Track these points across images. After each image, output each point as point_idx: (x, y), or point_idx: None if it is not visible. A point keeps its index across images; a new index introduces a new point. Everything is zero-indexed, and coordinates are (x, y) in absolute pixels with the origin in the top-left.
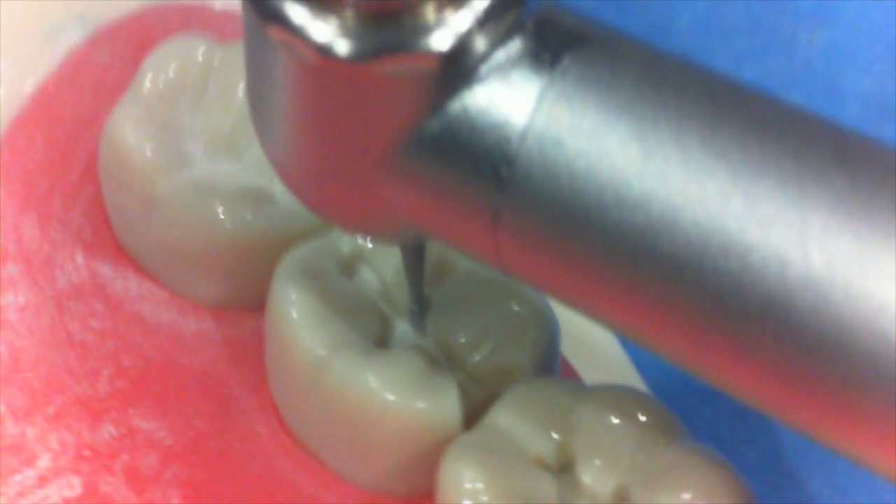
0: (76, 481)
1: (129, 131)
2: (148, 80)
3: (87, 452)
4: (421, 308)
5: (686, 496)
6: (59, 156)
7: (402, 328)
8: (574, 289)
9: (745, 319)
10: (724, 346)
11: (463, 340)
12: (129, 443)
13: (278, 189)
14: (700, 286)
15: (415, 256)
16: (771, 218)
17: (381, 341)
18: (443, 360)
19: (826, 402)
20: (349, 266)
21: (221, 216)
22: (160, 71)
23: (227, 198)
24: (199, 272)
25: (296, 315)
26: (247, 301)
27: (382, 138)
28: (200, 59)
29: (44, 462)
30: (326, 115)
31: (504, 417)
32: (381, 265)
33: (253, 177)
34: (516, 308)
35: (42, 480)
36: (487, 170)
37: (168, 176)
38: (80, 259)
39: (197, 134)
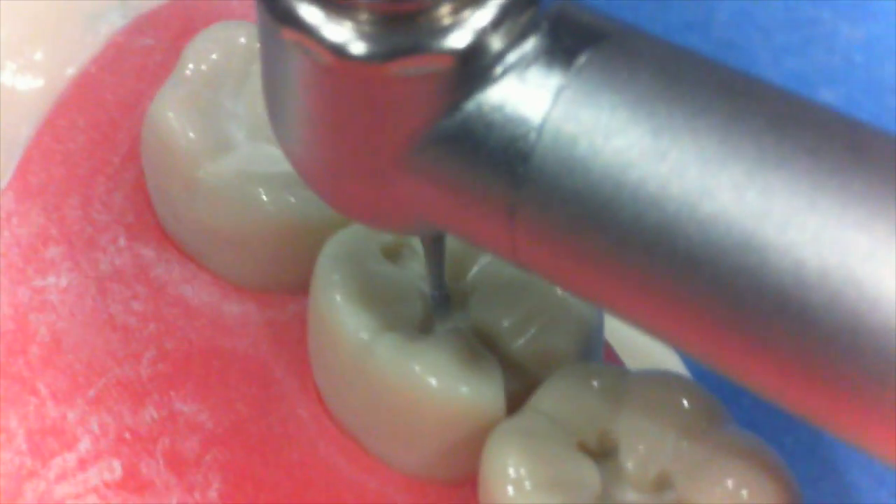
0: (116, 464)
1: (173, 115)
2: (191, 65)
3: (127, 435)
4: (442, 295)
5: (729, 482)
6: (102, 140)
7: (448, 313)
8: (589, 283)
9: (760, 315)
10: (739, 341)
11: (506, 325)
12: (170, 426)
13: None
14: (715, 282)
15: (435, 246)
16: (786, 215)
17: (424, 326)
18: (486, 346)
19: (839, 397)
20: (393, 251)
21: (264, 199)
22: (203, 56)
23: (271, 181)
24: (241, 255)
25: (339, 299)
26: (290, 284)
27: (398, 137)
28: (243, 43)
29: (84, 445)
30: (342, 116)
31: (547, 403)
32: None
33: None
34: (559, 293)
35: (82, 463)
36: (503, 167)
37: (211, 159)
38: (122, 242)
39: (240, 118)
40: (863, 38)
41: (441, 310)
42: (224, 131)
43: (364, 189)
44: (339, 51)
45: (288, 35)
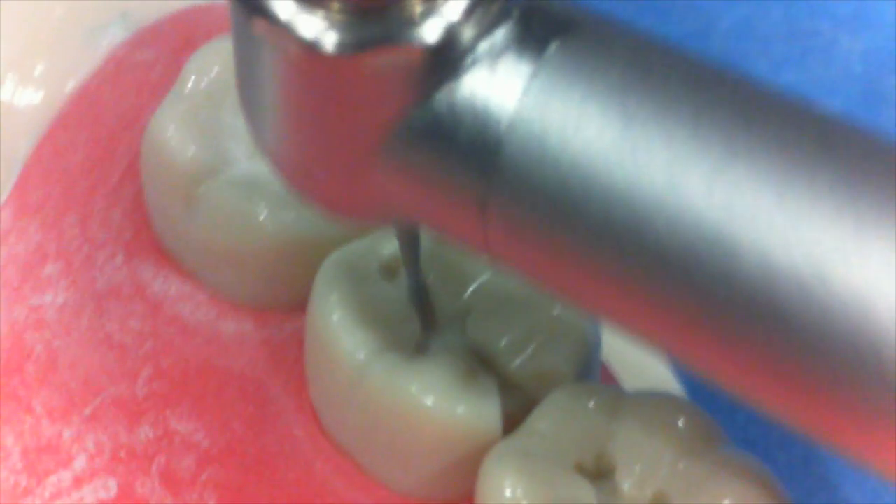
0: (112, 483)
1: (172, 131)
2: (191, 81)
3: (123, 454)
4: (419, 289)
5: (726, 503)
6: (101, 155)
7: (444, 333)
8: (561, 278)
9: (729, 310)
10: (710, 338)
11: (503, 345)
12: (165, 445)
13: None
14: (685, 277)
15: (410, 239)
16: (753, 210)
17: (422, 346)
18: (482, 365)
19: (808, 393)
20: (390, 270)
21: (263, 217)
22: (203, 72)
23: (269, 199)
24: (239, 273)
25: (337, 319)
26: (287, 303)
27: (370, 130)
28: None
29: (79, 463)
30: (313, 108)
31: (544, 423)
32: (422, 269)
33: None
34: (556, 313)
35: (77, 482)
36: (474, 159)
37: (210, 176)
38: (120, 259)
39: (240, 135)
40: (862, 49)
41: (418, 304)
42: (224, 148)
43: (337, 181)
44: (310, 43)
45: (259, 27)
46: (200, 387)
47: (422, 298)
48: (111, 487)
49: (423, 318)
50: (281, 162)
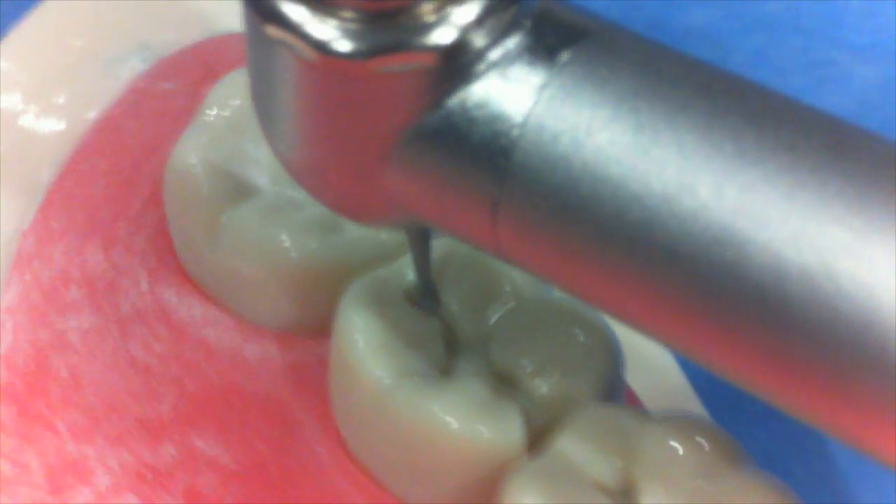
0: (134, 501)
1: (195, 160)
2: (213, 110)
3: (146, 473)
4: (427, 290)
5: None
6: (123, 183)
7: (468, 357)
8: (571, 277)
9: (740, 310)
10: (718, 335)
11: (527, 369)
12: (189, 464)
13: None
14: (695, 277)
15: (420, 241)
16: (765, 211)
17: (446, 370)
18: (507, 388)
19: (817, 390)
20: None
21: (287, 245)
22: (225, 101)
23: (293, 226)
24: (264, 299)
25: (362, 343)
26: (312, 327)
27: (382, 133)
28: None
29: (103, 481)
30: (326, 112)
31: (567, 444)
32: (447, 294)
33: (319, 206)
34: (581, 336)
35: (100, 499)
36: (486, 163)
37: (233, 205)
38: (144, 284)
39: (262, 164)
40: (879, 79)
41: (427, 302)
42: (246, 176)
43: (349, 184)
44: (323, 48)
45: (272, 32)
46: (224, 408)
47: (431, 299)
48: None
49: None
50: (293, 165)
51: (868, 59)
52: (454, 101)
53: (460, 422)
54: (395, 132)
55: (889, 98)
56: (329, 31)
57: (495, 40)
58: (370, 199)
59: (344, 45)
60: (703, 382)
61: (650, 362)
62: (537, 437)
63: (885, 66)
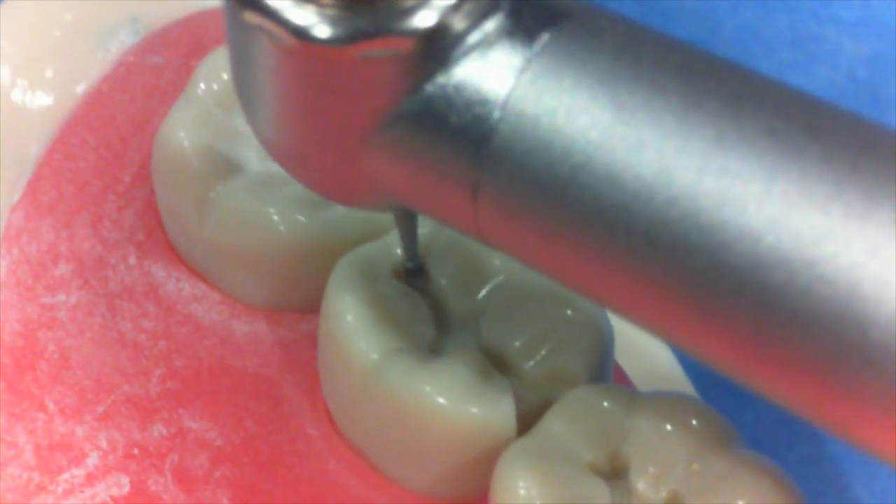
0: (124, 480)
1: (184, 135)
2: (202, 84)
3: (136, 451)
4: (416, 267)
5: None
6: (112, 158)
7: (458, 334)
8: (551, 261)
9: (719, 295)
10: (698, 321)
11: (517, 346)
12: (179, 442)
13: None
14: (675, 261)
15: (406, 221)
16: (744, 196)
17: (435, 347)
18: (497, 366)
19: (797, 375)
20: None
21: (276, 219)
22: (214, 75)
23: (282, 201)
24: (252, 275)
25: (351, 319)
26: (300, 303)
27: (362, 117)
28: None
29: (92, 460)
30: (306, 97)
31: (558, 424)
32: (436, 271)
33: None
34: (570, 315)
35: (90, 479)
36: (466, 146)
37: (222, 180)
38: (132, 260)
39: (251, 139)
40: (867, 55)
41: (415, 279)
42: (235, 151)
43: (331, 168)
44: (302, 34)
45: (251, 18)
46: (214, 386)
47: (418, 273)
48: (124, 484)
49: (415, 284)
50: (276, 148)
51: (856, 35)
52: (434, 84)
53: (450, 400)
54: (375, 117)
55: (877, 73)
56: (308, 17)
57: (474, 23)
58: (352, 183)
59: (323, 31)
60: (693, 363)
61: (640, 343)
62: (528, 417)
63: (874, 42)
